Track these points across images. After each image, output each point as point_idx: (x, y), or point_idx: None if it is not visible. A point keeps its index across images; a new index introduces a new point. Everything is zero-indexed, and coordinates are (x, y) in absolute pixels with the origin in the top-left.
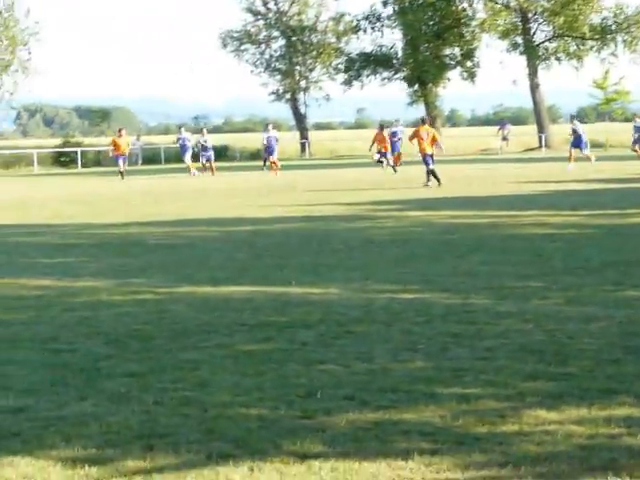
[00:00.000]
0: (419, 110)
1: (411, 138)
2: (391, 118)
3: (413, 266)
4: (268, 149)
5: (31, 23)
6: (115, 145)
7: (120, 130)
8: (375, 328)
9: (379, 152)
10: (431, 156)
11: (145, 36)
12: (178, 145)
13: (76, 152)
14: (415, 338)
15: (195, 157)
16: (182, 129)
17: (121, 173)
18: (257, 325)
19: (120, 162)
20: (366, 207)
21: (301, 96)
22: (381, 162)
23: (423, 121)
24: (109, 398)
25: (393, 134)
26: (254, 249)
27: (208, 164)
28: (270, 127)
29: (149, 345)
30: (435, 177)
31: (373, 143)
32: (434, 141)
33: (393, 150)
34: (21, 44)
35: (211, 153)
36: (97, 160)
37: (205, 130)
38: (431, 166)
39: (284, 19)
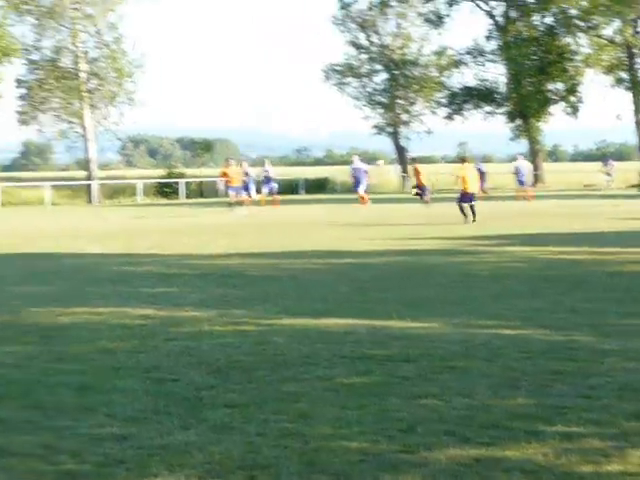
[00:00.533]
0: (521, 145)
1: (459, 177)
2: (493, 152)
3: (514, 302)
4: (355, 181)
5: (137, 55)
6: (226, 176)
7: (228, 160)
8: (476, 364)
9: (417, 186)
10: (473, 195)
11: (249, 68)
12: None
13: (179, 183)
14: (516, 374)
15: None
16: (267, 161)
17: (230, 204)
18: (358, 358)
19: (232, 193)
20: (466, 241)
21: (402, 129)
22: (419, 195)
23: (463, 160)
24: (212, 428)
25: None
26: (355, 282)
27: (271, 197)
28: (356, 159)
29: (251, 376)
30: (462, 212)
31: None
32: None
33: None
34: (127, 76)
35: (274, 185)
36: (199, 191)
37: (268, 161)
38: (464, 203)
39: (387, 53)
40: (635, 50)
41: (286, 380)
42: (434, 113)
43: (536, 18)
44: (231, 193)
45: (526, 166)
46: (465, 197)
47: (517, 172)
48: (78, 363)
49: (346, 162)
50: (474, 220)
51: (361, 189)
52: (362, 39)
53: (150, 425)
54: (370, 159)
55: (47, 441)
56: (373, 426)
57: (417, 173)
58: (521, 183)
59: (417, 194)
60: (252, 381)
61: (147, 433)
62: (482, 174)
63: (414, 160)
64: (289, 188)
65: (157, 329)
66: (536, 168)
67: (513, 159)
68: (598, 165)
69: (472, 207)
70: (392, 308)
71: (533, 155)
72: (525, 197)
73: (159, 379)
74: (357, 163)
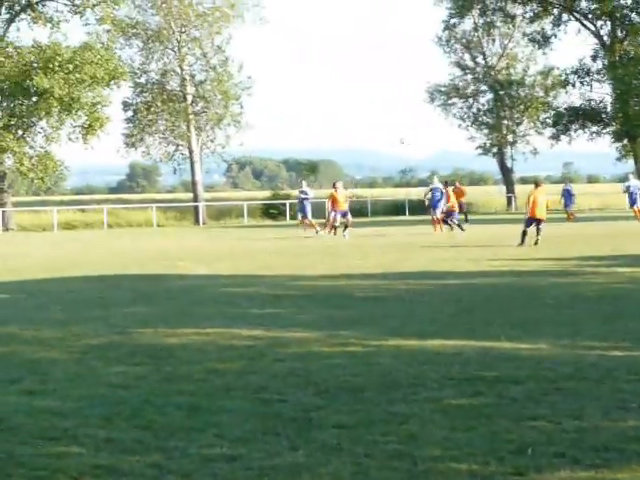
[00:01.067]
0: (628, 165)
1: (527, 202)
2: (599, 172)
3: (623, 323)
4: (433, 203)
5: (244, 78)
6: (334, 200)
7: (335, 184)
8: (585, 385)
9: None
10: (539, 220)
11: (352, 88)
12: (297, 200)
13: (285, 204)
14: (627, 396)
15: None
16: (304, 182)
17: (334, 228)
18: (466, 379)
19: (338, 217)
20: (573, 262)
21: (508, 150)
22: (446, 222)
23: (536, 184)
24: (320, 449)
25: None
26: (462, 303)
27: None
28: (435, 179)
29: (358, 397)
30: (523, 236)
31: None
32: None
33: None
34: (234, 99)
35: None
36: None
37: (305, 182)
38: (527, 228)
39: (492, 73)
40: None
41: (394, 401)
42: (540, 133)
43: None
44: (338, 217)
45: (638, 185)
46: (530, 221)
47: (630, 191)
48: (187, 384)
49: (451, 184)
50: (536, 243)
51: (438, 212)
52: (467, 60)
53: (259, 446)
54: (478, 180)
55: (157, 461)
56: (482, 448)
57: (448, 196)
58: (634, 202)
59: (444, 221)
60: (360, 402)
61: (256, 454)
62: (571, 196)
63: (447, 184)
64: (394, 209)
65: (265, 350)
66: None
67: (623, 179)
68: None
69: (538, 230)
70: (499, 329)
71: None
72: (637, 216)
73: (267, 400)
74: (436, 183)
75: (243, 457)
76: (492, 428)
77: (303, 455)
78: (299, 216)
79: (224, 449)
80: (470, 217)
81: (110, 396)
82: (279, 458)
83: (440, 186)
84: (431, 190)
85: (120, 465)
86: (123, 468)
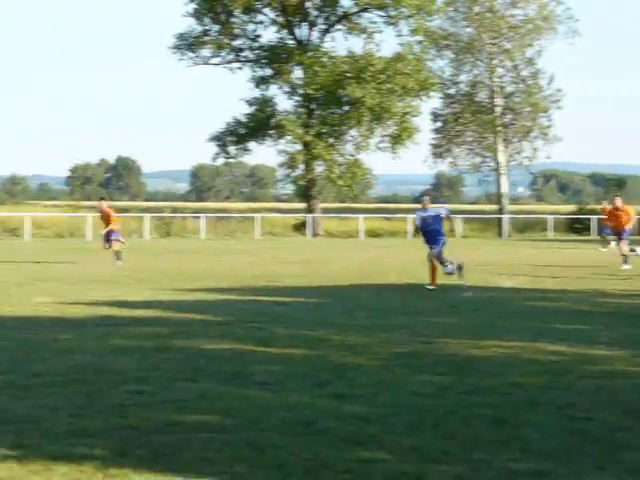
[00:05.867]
0: None
1: None
2: None
3: None
4: None
5: (553, 91)
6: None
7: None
8: None
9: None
10: None
11: None
12: None
13: (589, 219)
14: None
15: None
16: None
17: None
18: None
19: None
20: None
21: None
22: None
23: None
24: (628, 471)
25: None
26: None
27: None
28: None
29: None
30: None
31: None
32: None
33: None
34: (542, 111)
35: None
36: None
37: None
38: None
39: None
40: None
41: None
42: None
43: None
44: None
45: None
46: None
47: None
48: (491, 396)
49: None
50: None
51: None
52: None
53: (564, 463)
54: None
55: (462, 473)
56: None
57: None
58: None
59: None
60: None
61: (562, 471)
62: None
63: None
64: None
65: (569, 366)
66: None
67: None
68: None
69: None
70: None
71: None
72: None
73: (572, 417)
74: None
75: (549, 473)
76: None
77: (610, 476)
78: None
79: (530, 464)
80: None
81: (415, 404)
82: (584, 477)
83: None
84: None
85: (426, 474)
86: (429, 477)
